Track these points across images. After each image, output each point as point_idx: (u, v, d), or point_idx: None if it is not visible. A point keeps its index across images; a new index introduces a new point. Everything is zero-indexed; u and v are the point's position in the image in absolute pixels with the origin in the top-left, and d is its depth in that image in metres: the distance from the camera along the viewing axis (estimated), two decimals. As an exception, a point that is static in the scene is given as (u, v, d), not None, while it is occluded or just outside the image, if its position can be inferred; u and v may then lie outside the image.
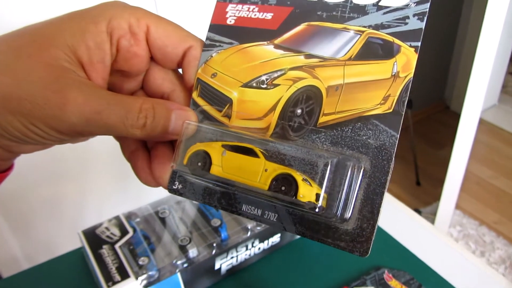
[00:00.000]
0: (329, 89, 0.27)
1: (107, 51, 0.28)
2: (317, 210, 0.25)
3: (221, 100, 0.29)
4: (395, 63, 0.26)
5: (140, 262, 0.49)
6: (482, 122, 2.04)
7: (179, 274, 0.51)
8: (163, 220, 0.56)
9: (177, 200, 0.60)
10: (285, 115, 0.28)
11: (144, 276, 0.48)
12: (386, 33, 0.26)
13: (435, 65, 2.28)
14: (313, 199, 0.25)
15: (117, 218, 0.56)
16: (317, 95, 0.27)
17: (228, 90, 0.29)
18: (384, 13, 0.27)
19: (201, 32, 0.32)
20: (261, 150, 0.26)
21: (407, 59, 0.26)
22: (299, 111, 0.27)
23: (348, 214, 0.25)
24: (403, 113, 0.25)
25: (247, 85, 0.29)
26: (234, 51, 0.30)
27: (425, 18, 0.26)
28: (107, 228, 0.54)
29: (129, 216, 0.57)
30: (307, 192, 0.25)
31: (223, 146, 0.27)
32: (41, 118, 0.25)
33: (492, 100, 2.40)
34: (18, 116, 0.25)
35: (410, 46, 0.26)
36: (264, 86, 0.28)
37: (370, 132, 0.26)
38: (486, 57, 1.29)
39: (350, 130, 0.26)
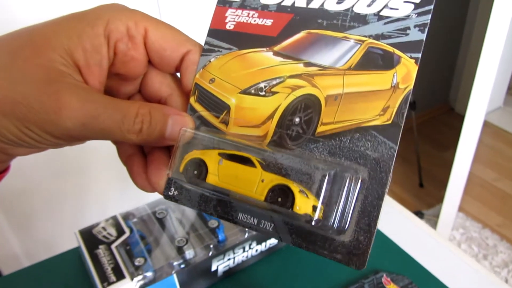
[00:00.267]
0: (328, 98, 0.27)
1: (104, 54, 0.28)
2: (313, 223, 0.24)
3: (218, 106, 0.29)
4: (395, 74, 0.26)
5: (136, 263, 0.49)
6: (486, 124, 2.03)
7: (175, 275, 0.50)
8: (160, 221, 0.56)
9: (175, 200, 0.59)
10: (283, 123, 0.27)
11: (140, 277, 0.48)
12: (387, 44, 0.26)
13: (440, 66, 2.26)
14: (309, 211, 0.24)
15: (114, 218, 0.56)
16: (316, 104, 0.27)
17: (226, 96, 0.29)
18: (385, 23, 0.26)
19: (204, 36, 0.32)
20: (258, 160, 0.26)
21: (407, 70, 0.25)
22: (297, 119, 0.27)
23: (345, 226, 0.25)
24: (402, 125, 0.25)
25: (245, 91, 0.28)
26: (232, 56, 0.29)
27: (426, 29, 0.25)
28: (103, 228, 0.54)
29: (126, 216, 0.56)
30: (304, 204, 0.24)
31: (219, 154, 0.27)
32: (36, 122, 0.25)
33: (497, 102, 2.39)
34: (13, 119, 0.25)
35: (411, 57, 0.25)
36: (263, 93, 0.28)
37: (369, 143, 0.25)
38: (491, 59, 1.28)
39: (348, 140, 0.26)
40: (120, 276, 0.48)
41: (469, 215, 1.79)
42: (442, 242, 0.68)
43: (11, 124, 0.25)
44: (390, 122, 0.25)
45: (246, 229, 0.55)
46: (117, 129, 0.26)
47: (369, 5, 0.27)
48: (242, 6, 0.30)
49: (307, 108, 0.27)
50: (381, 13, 0.26)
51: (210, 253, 0.53)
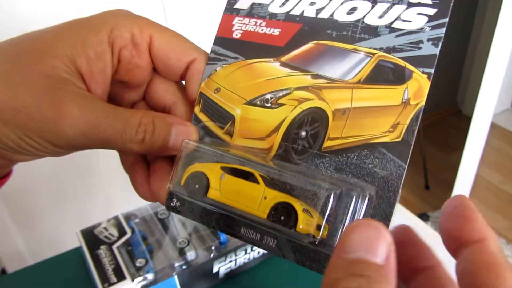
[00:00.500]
0: (335, 112, 0.26)
1: (108, 61, 0.27)
2: (317, 243, 0.24)
3: (223, 117, 0.28)
4: (406, 90, 0.25)
5: (137, 264, 0.49)
6: (493, 127, 2.01)
7: (176, 277, 0.50)
8: (162, 222, 0.56)
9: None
10: (288, 136, 0.27)
11: (141, 278, 0.48)
12: (398, 57, 0.25)
13: (447, 68, 2.24)
14: (313, 230, 0.24)
15: (116, 218, 0.56)
16: (323, 118, 0.26)
17: (231, 106, 0.28)
18: (397, 36, 0.25)
19: (211, 44, 0.31)
20: (262, 175, 0.25)
21: (419, 85, 0.25)
22: (303, 133, 0.26)
23: None
24: (413, 143, 0.24)
25: (251, 102, 0.28)
26: (239, 66, 0.29)
27: (440, 43, 0.24)
28: (105, 228, 0.54)
29: (128, 217, 0.56)
30: (307, 223, 0.24)
31: (222, 168, 0.26)
32: (36, 130, 0.25)
33: (505, 104, 2.37)
34: (13, 127, 0.25)
35: (423, 72, 0.24)
36: (269, 105, 0.27)
37: (377, 160, 0.25)
38: (499, 61, 1.26)
39: (356, 157, 0.25)
40: (121, 277, 0.47)
41: (475, 218, 1.77)
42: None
43: (12, 132, 0.25)
44: (400, 139, 0.24)
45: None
46: (118, 139, 0.26)
47: (380, 17, 0.26)
48: (250, 15, 0.29)
49: (314, 121, 0.26)
50: (393, 25, 0.26)
51: (212, 255, 0.53)
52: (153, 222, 0.56)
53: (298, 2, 0.28)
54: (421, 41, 0.25)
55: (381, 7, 0.26)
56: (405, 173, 0.24)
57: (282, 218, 0.24)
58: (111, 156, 0.32)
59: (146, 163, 0.31)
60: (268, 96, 0.27)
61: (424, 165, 1.87)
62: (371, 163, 0.25)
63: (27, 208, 1.07)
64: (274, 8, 0.29)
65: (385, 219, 0.24)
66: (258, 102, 0.28)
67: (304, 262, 0.25)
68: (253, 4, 0.29)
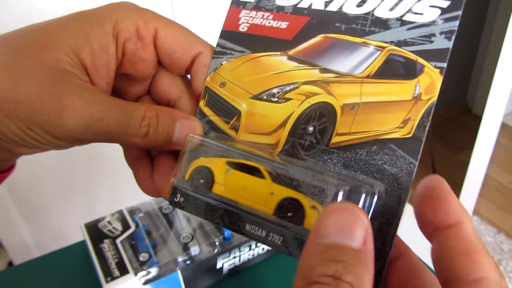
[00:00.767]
0: (344, 107, 0.25)
1: (112, 54, 0.27)
2: None
3: (229, 111, 0.28)
4: (418, 84, 0.24)
5: (141, 258, 0.49)
6: (504, 126, 1.98)
7: (179, 272, 0.50)
8: (166, 216, 0.55)
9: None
10: (295, 132, 0.26)
11: (144, 272, 0.47)
12: (409, 51, 0.24)
13: (458, 66, 2.22)
14: None
15: (120, 212, 0.55)
16: (331, 113, 0.25)
17: (237, 101, 0.28)
18: (408, 29, 0.25)
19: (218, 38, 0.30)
20: (268, 170, 0.25)
21: (430, 80, 0.24)
22: (311, 128, 0.26)
23: None
24: (424, 139, 0.24)
25: (257, 97, 0.27)
26: (245, 60, 0.28)
27: (453, 37, 0.24)
28: (109, 222, 0.54)
29: (133, 211, 0.56)
30: (315, 220, 0.23)
31: (227, 163, 0.26)
32: (38, 123, 0.24)
33: (516, 103, 2.34)
34: (15, 119, 0.24)
35: (435, 67, 0.24)
36: (275, 99, 0.27)
37: (387, 157, 0.24)
38: (511, 60, 1.24)
39: (364, 153, 0.24)
40: (124, 271, 0.47)
41: (484, 218, 1.76)
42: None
43: (13, 124, 0.24)
44: (410, 135, 0.24)
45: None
46: (122, 132, 0.25)
47: (391, 9, 0.25)
48: (257, 7, 0.29)
49: (322, 116, 0.26)
50: (404, 18, 0.25)
51: (216, 251, 0.52)
52: (157, 216, 0.55)
53: None
54: (433, 35, 0.24)
55: (392, -1, 0.25)
56: (415, 170, 0.23)
57: (289, 214, 0.24)
58: (118, 151, 0.32)
59: (150, 158, 0.30)
60: (275, 91, 0.27)
61: (432, 164, 1.86)
62: (380, 160, 0.24)
63: (33, 201, 1.08)
64: (281, 1, 0.28)
65: (395, 217, 0.23)
66: (265, 97, 0.27)
67: None
68: None
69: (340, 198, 0.23)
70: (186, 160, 0.27)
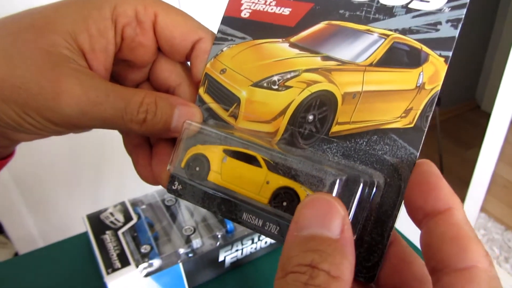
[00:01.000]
0: (345, 96, 0.25)
1: (110, 39, 0.26)
2: None
3: (228, 99, 0.27)
4: (421, 73, 0.23)
5: (143, 250, 0.48)
6: (513, 124, 1.96)
7: (181, 265, 0.50)
8: (169, 209, 0.55)
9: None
10: (295, 120, 0.25)
11: (145, 264, 0.47)
12: (414, 39, 0.24)
13: (467, 62, 2.20)
14: None
15: (123, 204, 0.55)
16: (332, 102, 0.25)
17: (237, 88, 0.27)
18: (414, 17, 0.24)
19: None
20: (265, 159, 0.24)
21: (435, 69, 0.23)
22: (311, 117, 0.25)
23: (355, 235, 0.23)
24: (426, 129, 0.23)
25: (257, 84, 0.27)
26: (246, 46, 0.28)
27: (460, 25, 0.23)
28: (111, 214, 0.53)
29: (135, 203, 0.56)
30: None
31: (224, 151, 0.25)
32: (35, 108, 0.24)
33: (526, 101, 2.31)
34: (12, 104, 0.24)
35: (440, 55, 0.23)
36: (276, 87, 0.26)
37: (387, 147, 0.23)
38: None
39: (365, 143, 0.24)
40: (125, 263, 0.47)
41: (492, 216, 1.74)
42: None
43: (10, 109, 0.24)
44: (412, 125, 0.23)
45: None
46: (119, 118, 0.25)
47: None
48: None
49: (322, 105, 0.25)
50: (409, 6, 0.24)
51: (218, 243, 0.52)
52: (159, 209, 0.55)
53: None
54: (439, 23, 0.23)
55: (397, -15, 0.25)
56: (416, 161, 0.23)
57: (285, 203, 0.23)
58: (122, 144, 0.32)
59: (149, 146, 0.30)
60: (275, 78, 0.26)
61: (440, 161, 1.84)
62: (381, 150, 0.23)
63: (39, 193, 1.08)
64: None
65: (394, 208, 0.23)
66: (265, 84, 0.26)
67: None
68: None
69: (336, 187, 0.22)
70: (182, 148, 0.26)
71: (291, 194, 0.23)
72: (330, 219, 0.18)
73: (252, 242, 0.55)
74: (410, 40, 0.24)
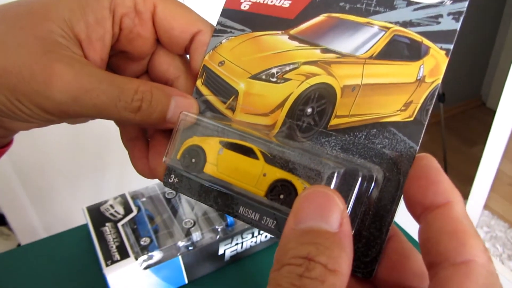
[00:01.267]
0: (344, 88, 0.24)
1: (107, 29, 0.26)
2: None
3: (226, 91, 0.27)
4: (422, 66, 0.23)
5: (142, 242, 0.49)
6: (518, 121, 1.95)
7: (180, 257, 0.50)
8: (169, 201, 0.55)
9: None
10: (293, 113, 0.25)
11: (145, 257, 0.47)
12: (415, 32, 0.23)
13: (473, 59, 2.18)
14: None
15: (123, 196, 0.55)
16: (331, 95, 0.25)
17: (235, 80, 0.27)
18: (415, 10, 0.24)
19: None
20: (262, 151, 0.24)
21: (436, 62, 0.23)
22: (309, 110, 0.25)
23: (353, 229, 0.23)
24: (426, 123, 0.23)
25: (255, 77, 0.26)
26: (245, 39, 0.27)
27: (461, 18, 0.23)
28: (111, 206, 0.53)
29: (135, 195, 0.56)
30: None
31: (220, 143, 0.25)
32: (26, 93, 0.24)
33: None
34: (4, 90, 0.24)
35: (441, 48, 0.23)
36: (274, 79, 0.26)
37: (386, 140, 0.23)
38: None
39: (364, 136, 0.23)
40: (124, 255, 0.47)
41: (495, 213, 1.73)
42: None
43: (2, 95, 0.24)
44: (412, 119, 0.23)
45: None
46: (112, 106, 0.24)
47: None
48: None
49: (321, 98, 0.25)
50: None
51: (218, 237, 0.52)
52: (160, 201, 0.55)
53: None
54: (441, 15, 0.23)
55: (398, -23, 0.24)
56: (415, 155, 0.22)
57: (282, 196, 0.23)
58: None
59: (146, 139, 0.30)
60: (274, 70, 0.26)
61: (444, 158, 1.84)
62: (380, 143, 0.23)
63: (41, 185, 1.09)
64: None
65: (393, 202, 0.22)
66: (263, 77, 0.26)
67: None
68: None
69: (334, 180, 0.22)
70: (178, 139, 0.26)
71: (288, 187, 0.23)
72: (328, 212, 0.18)
73: (252, 236, 0.55)
74: (411, 33, 0.23)
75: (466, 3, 0.23)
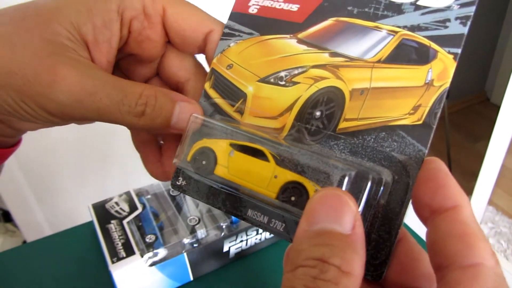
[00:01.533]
0: (353, 92, 0.24)
1: (115, 31, 0.26)
2: None
3: (234, 94, 0.27)
4: (430, 70, 0.23)
5: (147, 240, 0.49)
6: (522, 117, 1.94)
7: (185, 255, 0.50)
8: (173, 198, 0.55)
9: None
10: (302, 116, 0.25)
11: (150, 254, 0.48)
12: (423, 36, 0.24)
13: (477, 54, 2.17)
14: None
15: (128, 193, 0.56)
16: (339, 98, 0.25)
17: (243, 84, 0.27)
18: (422, 14, 0.24)
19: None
20: (272, 153, 0.24)
21: (444, 66, 0.23)
22: (318, 113, 0.25)
23: None
24: (434, 126, 0.23)
25: (264, 80, 0.27)
26: (253, 42, 0.27)
27: (469, 22, 0.23)
28: (116, 203, 0.54)
29: (140, 192, 0.56)
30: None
31: (231, 145, 0.25)
32: (31, 94, 0.24)
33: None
34: (9, 90, 0.24)
35: (449, 52, 0.23)
36: (283, 83, 0.26)
37: (395, 144, 0.23)
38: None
39: (372, 139, 0.24)
40: (130, 252, 0.47)
41: (500, 209, 1.73)
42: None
43: (7, 95, 0.24)
44: (420, 122, 0.23)
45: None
46: (115, 110, 0.24)
47: None
48: None
49: (330, 101, 0.25)
50: (418, 3, 0.24)
51: (223, 234, 0.52)
52: (165, 198, 0.55)
53: None
54: (448, 20, 0.23)
55: (406, -18, 0.24)
56: (424, 158, 0.23)
57: (293, 198, 0.23)
58: (130, 133, 0.31)
59: (158, 142, 0.30)
60: (282, 74, 0.26)
61: (448, 154, 1.83)
62: (388, 147, 0.23)
63: (47, 182, 1.09)
64: None
65: (402, 206, 0.23)
66: (272, 80, 0.26)
67: None
68: None
69: (345, 183, 0.22)
70: (188, 141, 0.26)
71: (299, 189, 0.23)
72: (341, 214, 0.18)
73: (257, 233, 0.55)
74: (419, 37, 0.24)
75: (474, 8, 0.23)
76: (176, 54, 0.30)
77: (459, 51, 0.23)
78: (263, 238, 0.57)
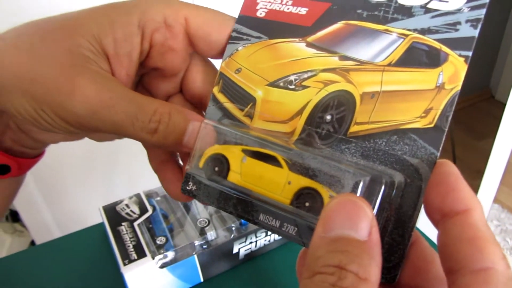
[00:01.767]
0: (363, 95, 0.24)
1: (135, 44, 0.27)
2: None
3: (243, 98, 0.27)
4: (441, 73, 0.23)
5: (158, 242, 0.49)
6: (528, 113, 1.93)
7: (196, 256, 0.50)
8: (183, 201, 0.56)
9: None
10: (312, 120, 0.25)
11: (161, 256, 0.48)
12: (433, 39, 0.24)
13: (482, 51, 2.16)
14: None
15: (138, 195, 0.56)
16: (350, 102, 0.25)
17: (252, 88, 0.27)
18: (433, 17, 0.24)
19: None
20: (285, 159, 0.24)
21: (455, 69, 0.23)
22: (328, 117, 0.25)
23: None
24: (446, 129, 0.23)
25: (273, 84, 0.27)
26: (262, 46, 0.28)
27: (479, 25, 0.23)
28: (127, 205, 0.54)
29: (150, 194, 0.56)
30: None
31: (243, 151, 0.26)
32: (49, 103, 0.24)
33: (542, 90, 2.27)
34: (29, 98, 0.24)
35: (460, 55, 0.23)
36: (292, 86, 0.26)
37: (407, 147, 0.23)
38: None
39: (384, 143, 0.24)
40: (141, 254, 0.48)
41: (505, 207, 1.72)
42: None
43: (27, 102, 0.24)
44: (432, 125, 0.23)
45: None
46: (129, 125, 0.25)
47: None
48: None
49: (340, 105, 0.25)
50: (428, 6, 0.24)
51: (232, 236, 0.52)
52: (174, 200, 0.56)
53: None
54: (459, 23, 0.23)
55: (416, -15, 0.24)
56: (436, 161, 0.23)
57: (307, 204, 0.23)
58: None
59: (176, 161, 0.30)
60: (292, 78, 0.26)
61: (453, 152, 1.83)
62: (400, 150, 0.23)
63: (55, 183, 1.10)
64: None
65: (414, 209, 0.23)
66: (281, 84, 0.26)
67: None
68: None
69: (360, 189, 0.22)
70: (200, 147, 0.26)
71: (313, 195, 0.23)
72: (357, 220, 0.18)
73: (266, 235, 0.56)
74: (429, 40, 0.24)
75: (484, 10, 0.23)
76: (199, 69, 0.30)
77: (470, 54, 0.23)
78: (272, 240, 0.57)
